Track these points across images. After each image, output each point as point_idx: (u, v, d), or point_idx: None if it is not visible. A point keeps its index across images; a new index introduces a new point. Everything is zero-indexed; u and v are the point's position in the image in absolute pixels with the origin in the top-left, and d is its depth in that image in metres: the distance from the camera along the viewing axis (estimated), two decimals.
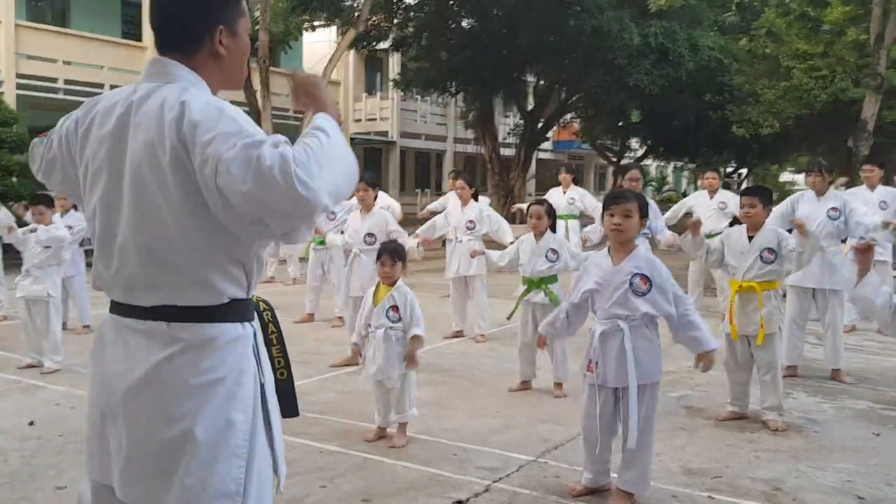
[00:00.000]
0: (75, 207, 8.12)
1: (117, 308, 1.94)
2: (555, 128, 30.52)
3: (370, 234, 6.66)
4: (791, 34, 18.03)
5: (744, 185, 34.40)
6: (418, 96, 31.93)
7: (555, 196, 10.31)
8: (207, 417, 1.84)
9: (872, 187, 8.61)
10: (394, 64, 29.94)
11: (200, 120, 1.76)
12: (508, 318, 6.13)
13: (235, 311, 1.92)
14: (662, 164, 47.52)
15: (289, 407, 2.13)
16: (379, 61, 31.14)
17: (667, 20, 20.63)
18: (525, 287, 5.95)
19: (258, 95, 17.61)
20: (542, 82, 25.80)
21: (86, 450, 2.04)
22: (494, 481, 4.13)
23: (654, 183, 46.45)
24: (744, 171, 41.25)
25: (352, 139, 27.60)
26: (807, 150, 28.63)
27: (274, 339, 2.15)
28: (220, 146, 1.71)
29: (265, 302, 2.15)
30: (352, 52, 23.98)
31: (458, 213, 8.17)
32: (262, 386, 1.96)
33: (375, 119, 30.33)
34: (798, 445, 4.78)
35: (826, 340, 6.56)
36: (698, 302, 9.50)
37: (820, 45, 18.12)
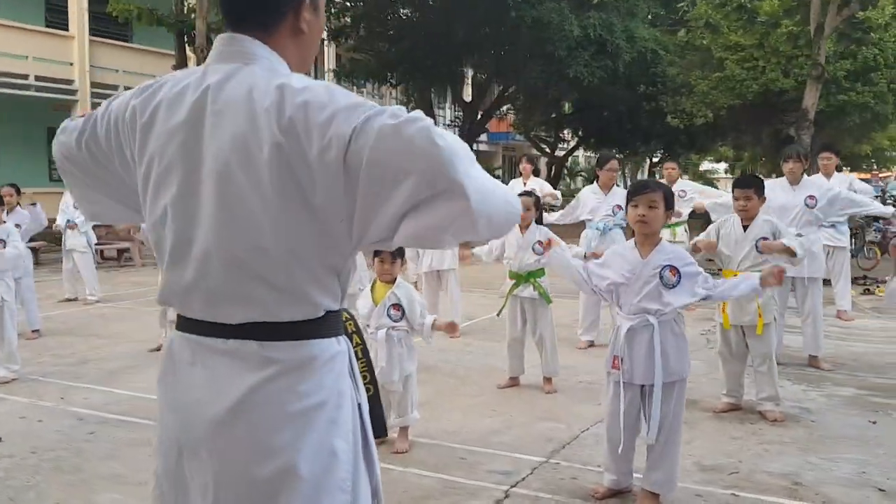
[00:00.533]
0: (19, 204, 7.63)
1: (194, 326, 1.67)
2: (492, 119, 30.51)
3: None
4: (727, 26, 18.32)
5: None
6: (353, 87, 31.54)
7: (516, 187, 10.17)
8: (309, 448, 1.61)
9: (829, 175, 8.73)
10: (329, 54, 29.43)
11: (309, 100, 1.52)
12: (498, 315, 5.97)
13: (330, 324, 1.69)
14: (591, 154, 48.09)
15: (377, 427, 1.90)
16: None
17: (604, 12, 20.77)
18: (513, 282, 5.79)
19: None
20: (480, 74, 25.70)
21: (154, 489, 1.78)
22: (512, 486, 3.97)
23: (584, 174, 46.94)
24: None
25: None
26: (733, 140, 29.33)
27: (359, 352, 1.92)
28: (343, 123, 1.48)
29: (345, 310, 1.92)
30: None
31: None
32: (360, 407, 1.75)
33: None
34: (801, 436, 4.76)
35: (806, 328, 6.60)
36: None
37: (755, 36, 18.47)
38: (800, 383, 5.99)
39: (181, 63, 16.98)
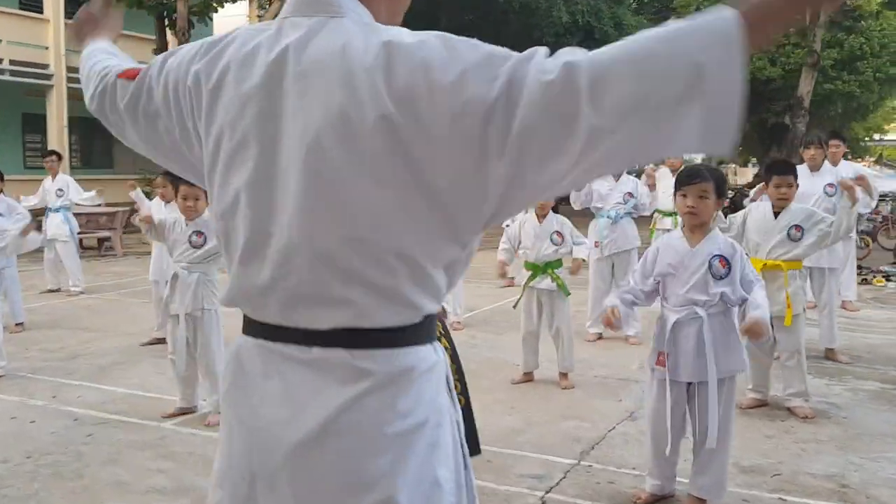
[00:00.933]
0: (2, 192, 7.26)
1: (269, 331, 1.39)
2: None
3: None
4: None
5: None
6: None
7: None
8: (410, 478, 1.35)
9: (836, 163, 8.56)
10: None
11: (428, 59, 1.24)
12: (514, 307, 5.72)
13: (428, 329, 1.43)
14: None
15: (471, 443, 1.63)
16: None
17: None
18: (530, 273, 5.55)
19: None
20: None
21: None
22: (546, 492, 3.74)
23: None
24: None
25: None
26: None
27: (449, 357, 1.65)
28: (480, 83, 1.20)
29: None
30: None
31: None
32: (458, 425, 1.50)
33: None
34: (836, 434, 4.57)
35: (822, 319, 6.43)
36: None
37: None
38: (821, 377, 5.80)
39: (162, 48, 16.52)
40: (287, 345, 1.38)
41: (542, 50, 1.25)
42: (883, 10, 17.60)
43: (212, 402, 4.74)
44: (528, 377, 5.67)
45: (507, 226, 5.76)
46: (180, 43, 16.21)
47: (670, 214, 9.15)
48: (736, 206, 17.56)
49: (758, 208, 5.06)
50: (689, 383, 3.49)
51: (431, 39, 1.28)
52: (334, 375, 1.34)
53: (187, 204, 4.68)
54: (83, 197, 9.79)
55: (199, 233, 4.70)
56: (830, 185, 6.31)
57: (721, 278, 3.42)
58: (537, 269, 5.49)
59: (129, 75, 1.59)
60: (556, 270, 5.49)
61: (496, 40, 1.31)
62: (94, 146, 21.78)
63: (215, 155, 1.41)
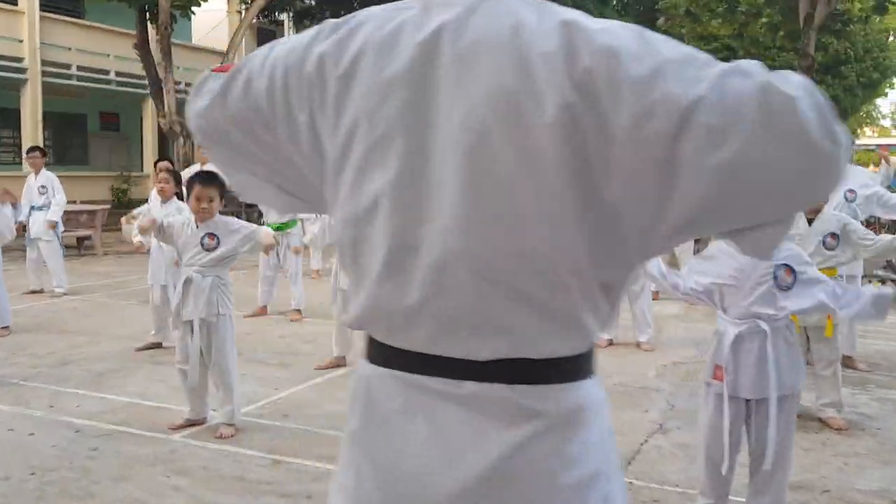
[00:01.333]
0: None
1: (411, 361, 1.17)
2: None
3: None
4: (707, 14, 18.18)
5: None
6: None
7: None
8: None
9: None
10: (288, 35, 28.59)
11: (614, 46, 1.04)
12: None
13: (592, 360, 1.23)
14: None
15: None
16: (271, 33, 29.64)
17: None
18: None
19: (159, 67, 16.18)
20: None
21: None
22: None
23: None
24: None
25: None
26: None
27: None
28: (677, 83, 1.02)
29: None
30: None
31: None
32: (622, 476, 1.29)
33: None
34: (874, 447, 4.43)
35: (842, 327, 6.28)
36: None
37: (734, 26, 18.37)
38: (845, 385, 5.64)
39: (143, 42, 16.12)
40: (433, 378, 1.16)
41: (759, 64, 1.06)
42: (871, 15, 17.69)
43: (224, 414, 4.49)
44: None
45: None
46: (163, 37, 15.85)
47: None
48: None
49: None
50: (748, 400, 3.30)
51: (618, 28, 1.09)
52: (494, 415, 1.13)
53: (201, 206, 4.41)
54: (58, 199, 9.34)
55: (211, 235, 4.44)
56: (851, 190, 6.19)
57: (787, 289, 3.24)
58: None
59: (223, 70, 1.36)
60: None
61: None
62: (70, 142, 21.31)
63: (346, 151, 1.18)
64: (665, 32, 13.59)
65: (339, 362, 6.02)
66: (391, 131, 1.13)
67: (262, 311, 8.05)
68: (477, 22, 1.12)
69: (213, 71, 1.37)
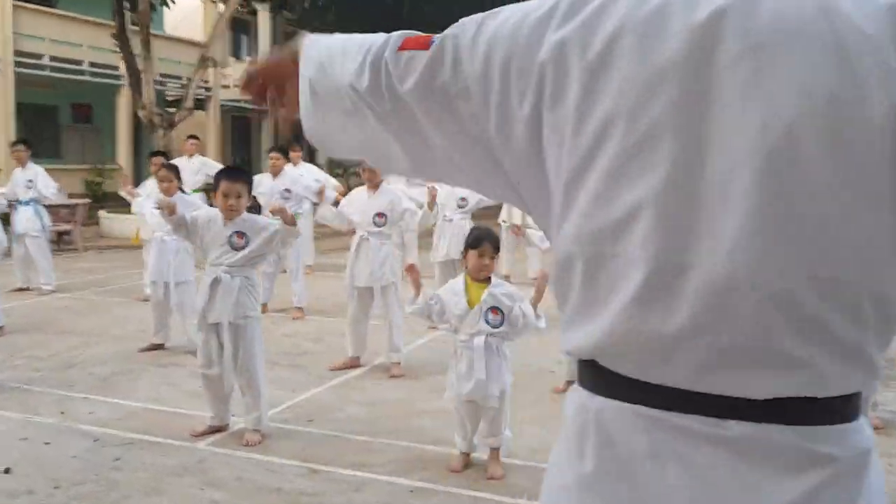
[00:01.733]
0: None
1: (663, 396, 1.01)
2: None
3: (380, 215, 5.71)
4: None
5: None
6: None
7: None
8: None
9: None
10: (265, 27, 28.15)
11: None
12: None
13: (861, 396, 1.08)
14: None
15: None
16: (247, 23, 29.21)
17: None
18: None
19: (138, 58, 15.77)
20: None
21: None
22: None
23: None
24: None
25: (221, 106, 25.85)
26: None
27: None
28: None
29: None
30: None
31: (447, 187, 7.26)
32: None
33: None
34: None
35: None
36: None
37: None
38: None
39: (121, 31, 15.70)
40: (692, 416, 1.00)
41: None
42: None
43: (251, 419, 4.30)
44: (567, 385, 5.35)
45: None
46: (143, 28, 15.46)
47: None
48: None
49: None
50: None
51: None
52: (770, 461, 0.97)
53: (229, 202, 4.21)
54: (50, 191, 9.10)
55: (240, 234, 4.24)
56: None
57: None
58: None
59: (417, 45, 1.18)
60: None
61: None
62: (42, 135, 20.73)
63: (592, 154, 1.01)
64: None
65: (354, 363, 5.85)
66: (658, 132, 0.97)
67: (262, 309, 7.82)
68: (769, 3, 0.96)
69: (397, 51, 1.19)
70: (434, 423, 4.63)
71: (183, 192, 6.36)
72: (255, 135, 29.44)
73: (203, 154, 11.78)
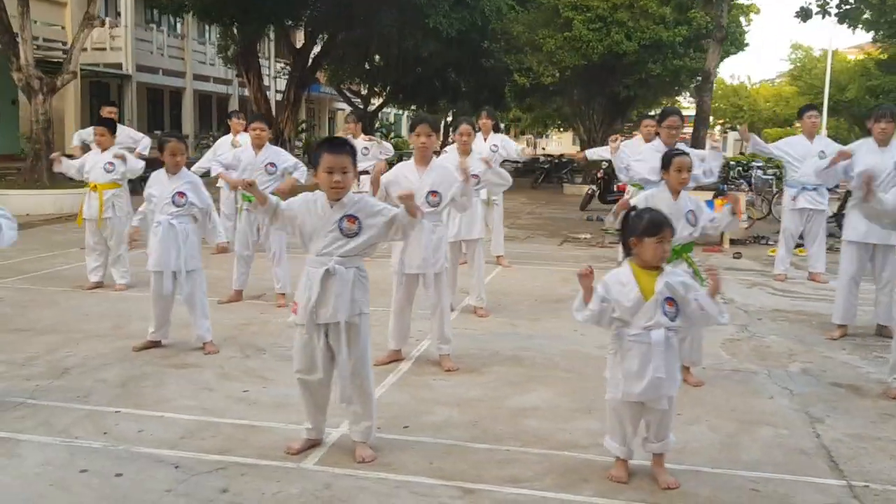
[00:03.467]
0: None
1: None
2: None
3: (434, 193, 5.13)
4: None
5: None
6: (153, 25, 28.31)
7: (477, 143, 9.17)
8: None
9: (811, 136, 8.62)
10: None
11: None
12: None
13: None
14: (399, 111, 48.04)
15: None
16: None
17: None
18: None
19: (13, 19, 14.01)
20: (314, 27, 23.63)
21: None
22: None
23: (383, 129, 46.10)
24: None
25: (80, 70, 23.68)
26: (560, 100, 29.66)
27: None
28: None
29: None
30: None
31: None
32: None
33: (105, 49, 26.16)
34: None
35: (882, 297, 6.31)
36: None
37: None
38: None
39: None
40: None
41: None
42: None
43: (362, 431, 3.71)
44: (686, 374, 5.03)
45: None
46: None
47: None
48: (609, 178, 17.80)
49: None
50: None
51: None
52: None
53: (334, 178, 3.55)
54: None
55: (351, 217, 3.59)
56: None
57: None
58: (673, 253, 4.85)
59: None
60: (690, 255, 4.89)
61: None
62: None
63: None
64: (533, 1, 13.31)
65: (397, 356, 5.30)
66: None
67: (237, 297, 7.05)
68: None
69: None
70: (540, 423, 4.20)
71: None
72: (120, 103, 27.25)
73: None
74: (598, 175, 18.17)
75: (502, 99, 34.09)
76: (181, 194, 5.33)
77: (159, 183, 5.40)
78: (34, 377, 4.79)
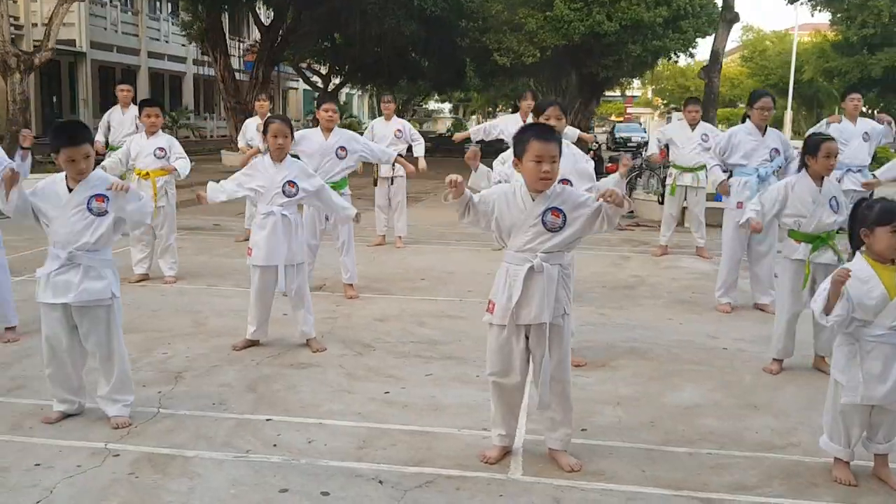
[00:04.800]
0: None
1: None
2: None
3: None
4: None
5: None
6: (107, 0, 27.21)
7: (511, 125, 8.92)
8: None
9: (854, 118, 8.61)
10: None
11: None
12: (803, 288, 4.84)
13: None
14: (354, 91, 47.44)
15: None
16: None
17: None
18: (801, 244, 4.78)
19: None
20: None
21: None
22: None
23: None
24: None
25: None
26: (528, 81, 29.54)
27: None
28: None
29: None
30: None
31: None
32: None
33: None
34: None
35: None
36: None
37: None
38: None
39: None
40: None
41: None
42: None
43: (561, 439, 3.47)
44: (778, 366, 4.92)
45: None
46: None
47: (693, 170, 8.80)
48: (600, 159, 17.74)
49: None
50: None
51: None
52: None
53: (543, 168, 3.27)
54: None
55: (555, 210, 3.31)
56: None
57: None
58: (818, 240, 4.72)
59: None
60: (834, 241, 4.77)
61: None
62: None
63: None
64: None
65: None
66: None
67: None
68: None
69: None
70: (717, 422, 4.02)
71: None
72: (65, 81, 26.17)
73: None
74: (591, 155, 18.11)
75: (463, 79, 33.93)
76: (291, 183, 4.96)
77: (264, 172, 5.01)
78: (149, 383, 4.41)
